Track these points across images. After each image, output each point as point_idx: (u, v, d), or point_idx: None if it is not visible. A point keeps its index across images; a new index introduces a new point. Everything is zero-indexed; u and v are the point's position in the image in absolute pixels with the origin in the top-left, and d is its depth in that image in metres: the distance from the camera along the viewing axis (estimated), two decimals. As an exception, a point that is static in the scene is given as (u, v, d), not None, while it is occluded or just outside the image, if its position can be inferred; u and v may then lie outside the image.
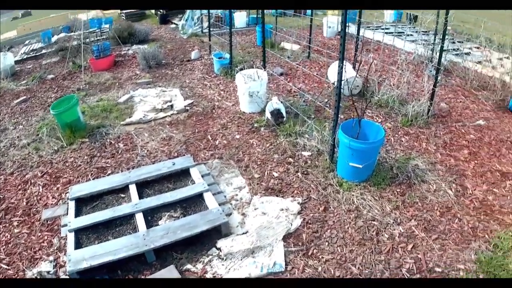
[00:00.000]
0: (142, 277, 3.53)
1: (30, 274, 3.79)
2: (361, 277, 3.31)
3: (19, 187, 5.02)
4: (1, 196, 4.88)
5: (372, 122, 4.54)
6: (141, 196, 4.31)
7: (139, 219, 3.94)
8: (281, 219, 3.90)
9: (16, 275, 3.76)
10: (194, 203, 4.21)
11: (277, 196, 4.27)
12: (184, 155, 5.09)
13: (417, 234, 3.71)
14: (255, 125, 5.64)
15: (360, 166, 4.11)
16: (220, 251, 3.66)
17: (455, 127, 5.58)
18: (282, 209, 4.02)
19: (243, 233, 3.81)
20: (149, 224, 3.94)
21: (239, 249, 3.61)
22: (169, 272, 3.50)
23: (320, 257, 3.54)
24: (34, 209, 4.60)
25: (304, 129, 5.26)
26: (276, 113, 5.45)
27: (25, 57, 11.31)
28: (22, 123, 6.81)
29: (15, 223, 4.43)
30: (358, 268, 3.40)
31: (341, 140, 4.18)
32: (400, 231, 3.75)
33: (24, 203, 4.71)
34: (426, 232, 3.74)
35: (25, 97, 8.01)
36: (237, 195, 4.33)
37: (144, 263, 3.67)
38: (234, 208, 4.15)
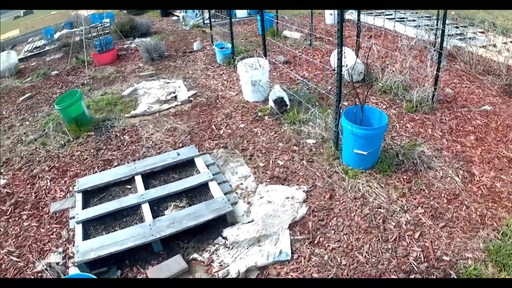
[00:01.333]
0: (150, 266, 3.54)
1: (39, 266, 3.82)
2: (367, 266, 3.30)
3: (27, 181, 5.06)
4: (10, 191, 4.92)
5: (374, 108, 4.49)
6: (147, 187, 4.31)
7: (145, 209, 3.95)
8: (287, 208, 3.89)
9: (26, 267, 3.80)
10: (199, 192, 4.21)
11: (282, 184, 4.25)
12: (188, 145, 5.09)
13: (424, 222, 3.67)
14: (259, 113, 5.61)
15: (365, 153, 4.08)
16: (226, 240, 3.67)
17: (461, 113, 5.51)
18: (288, 197, 4.01)
19: (249, 222, 3.81)
20: (155, 214, 3.95)
21: (245, 237, 3.61)
22: (176, 262, 3.52)
23: (327, 245, 3.53)
24: (43, 203, 4.64)
25: (308, 116, 5.22)
26: (279, 101, 5.42)
27: (28, 54, 11.33)
28: (28, 119, 6.84)
29: (24, 217, 4.47)
30: (365, 256, 3.38)
31: (344, 127, 4.14)
32: (407, 218, 3.71)
33: (33, 197, 4.75)
34: (434, 220, 3.70)
35: (30, 93, 8.04)
36: (242, 184, 4.33)
37: (151, 253, 3.69)
38: (240, 197, 4.15)
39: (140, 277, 3.50)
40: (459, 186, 4.13)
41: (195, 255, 3.59)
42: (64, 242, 3.98)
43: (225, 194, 4.06)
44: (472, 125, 5.22)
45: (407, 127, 5.13)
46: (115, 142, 5.53)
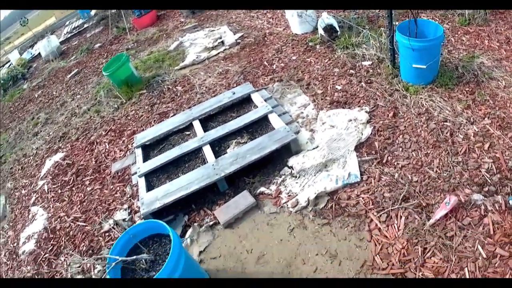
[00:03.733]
0: (217, 207, 3.54)
1: (106, 225, 3.97)
2: (439, 181, 3.11)
3: (86, 149, 5.26)
4: (70, 162, 5.15)
5: (428, 21, 4.16)
6: (206, 130, 4.30)
7: (207, 151, 3.95)
8: (351, 130, 3.70)
9: (94, 230, 3.95)
10: (260, 126, 4.14)
11: (343, 108, 4.06)
12: (243, 84, 4.98)
13: (492, 133, 3.38)
14: (310, 43, 5.36)
15: (424, 67, 3.81)
16: (292, 169, 3.57)
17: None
18: (351, 120, 3.81)
19: (314, 148, 3.68)
20: (217, 154, 3.94)
21: (311, 164, 3.49)
22: (243, 197, 3.50)
23: (395, 163, 3.35)
24: (104, 165, 4.81)
25: (360, 39, 4.91)
26: (329, 28, 5.13)
27: (69, 36, 11.65)
28: (79, 93, 7.08)
29: (87, 182, 4.66)
30: (436, 171, 3.18)
31: (400, 42, 3.87)
32: (475, 130, 3.45)
33: (93, 162, 4.94)
34: (502, 130, 3.39)
35: (76, 70, 8.31)
36: (302, 113, 4.18)
37: (217, 193, 3.71)
38: (302, 126, 4.01)
39: (208, 218, 3.51)
40: None
41: (262, 189, 3.55)
42: (129, 198, 4.11)
43: (286, 124, 3.94)
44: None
45: (463, 40, 4.71)
46: (168, 94, 5.56)
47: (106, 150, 5.05)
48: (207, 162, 3.82)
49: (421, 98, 3.91)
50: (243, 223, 3.38)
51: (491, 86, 3.88)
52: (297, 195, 3.35)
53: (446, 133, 3.49)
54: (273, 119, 4.01)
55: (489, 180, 2.99)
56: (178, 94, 5.47)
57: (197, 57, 6.07)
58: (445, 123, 3.59)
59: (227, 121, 4.33)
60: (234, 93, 4.58)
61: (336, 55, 4.91)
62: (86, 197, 4.42)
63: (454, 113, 3.67)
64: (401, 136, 3.60)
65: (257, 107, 4.30)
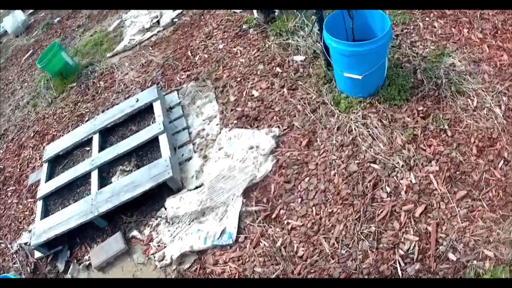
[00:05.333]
0: (95, 245, 3.26)
1: (15, 247, 3.70)
2: (331, 262, 2.43)
3: (15, 153, 4.88)
4: (2, 166, 4.79)
5: (373, 10, 3.09)
6: (102, 147, 3.81)
7: (94, 178, 3.52)
8: (247, 163, 3.04)
9: (7, 249, 3.72)
10: (150, 149, 3.58)
11: (250, 127, 3.36)
12: (158, 83, 4.36)
13: (434, 189, 2.55)
14: (244, 26, 4.52)
15: (359, 77, 2.90)
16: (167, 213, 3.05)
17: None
18: (252, 148, 3.14)
19: (196, 187, 3.11)
20: (103, 182, 3.50)
21: (185, 211, 2.94)
22: (115, 241, 3.13)
23: (286, 222, 2.69)
24: (24, 175, 4.44)
25: (299, 25, 4.00)
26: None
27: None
28: (27, 80, 6.61)
29: (9, 193, 4.35)
30: (333, 245, 2.49)
31: (327, 42, 2.97)
32: (411, 182, 2.62)
33: (18, 170, 4.58)
34: (450, 185, 2.55)
35: (31, 50, 7.74)
36: (204, 129, 3.54)
37: (97, 228, 3.35)
38: (196, 150, 3.40)
39: (87, 256, 3.25)
40: (500, 123, 2.78)
41: (135, 232, 3.13)
42: (34, 219, 3.73)
43: (180, 147, 3.44)
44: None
45: (434, 27, 3.64)
46: (91, 91, 5.03)
47: (30, 157, 4.66)
48: (90, 193, 3.40)
49: (351, 119, 3.07)
50: (113, 269, 3.07)
51: (456, 106, 2.96)
52: (165, 247, 2.88)
53: (369, 182, 2.70)
54: (163, 142, 3.40)
55: (400, 272, 2.24)
56: (99, 92, 4.91)
57: (129, 42, 5.40)
58: (372, 164, 2.79)
59: (125, 137, 3.80)
60: (137, 100, 3.94)
61: (267, 44, 4.09)
62: (5, 211, 4.14)
63: (390, 149, 2.83)
64: (307, 179, 2.86)
65: (156, 121, 3.65)
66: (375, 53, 2.84)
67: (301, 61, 3.72)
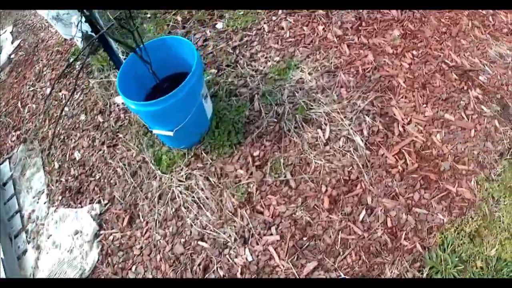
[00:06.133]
0: None
1: None
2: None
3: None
4: None
5: (180, 39, 2.65)
6: None
7: None
8: (75, 253, 2.83)
9: None
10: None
11: (74, 202, 3.06)
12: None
13: (276, 265, 2.27)
14: (71, 59, 4.02)
15: (171, 134, 2.56)
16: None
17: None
18: (77, 232, 2.89)
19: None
20: None
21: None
22: None
23: None
24: None
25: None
26: (89, 36, 3.71)
27: None
28: None
29: None
30: None
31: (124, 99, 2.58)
32: (246, 259, 2.31)
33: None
34: (296, 256, 2.27)
35: None
36: (34, 210, 3.26)
37: None
38: (30, 240, 3.12)
39: None
40: (361, 157, 2.42)
41: None
42: None
43: (16, 236, 3.13)
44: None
45: (282, 29, 3.15)
46: None
47: None
48: None
49: (173, 182, 2.71)
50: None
51: (301, 143, 2.54)
52: None
53: (198, 265, 2.38)
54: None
55: None
56: None
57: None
58: (200, 242, 2.44)
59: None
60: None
61: (91, 83, 3.66)
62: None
63: (220, 218, 2.47)
64: (134, 268, 2.54)
65: (-18, 210, 3.34)
66: (180, 105, 2.47)
67: (122, 103, 3.36)
